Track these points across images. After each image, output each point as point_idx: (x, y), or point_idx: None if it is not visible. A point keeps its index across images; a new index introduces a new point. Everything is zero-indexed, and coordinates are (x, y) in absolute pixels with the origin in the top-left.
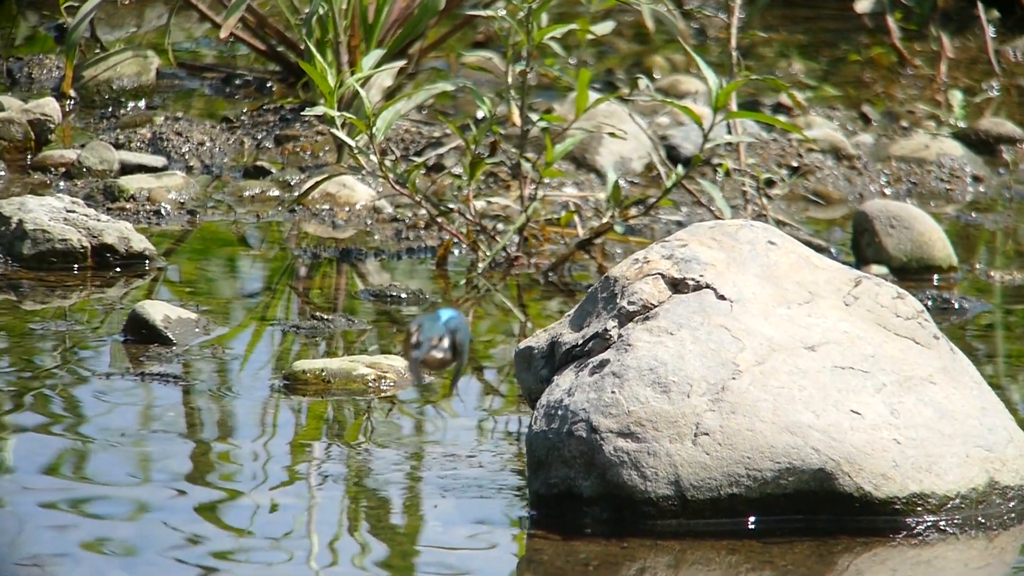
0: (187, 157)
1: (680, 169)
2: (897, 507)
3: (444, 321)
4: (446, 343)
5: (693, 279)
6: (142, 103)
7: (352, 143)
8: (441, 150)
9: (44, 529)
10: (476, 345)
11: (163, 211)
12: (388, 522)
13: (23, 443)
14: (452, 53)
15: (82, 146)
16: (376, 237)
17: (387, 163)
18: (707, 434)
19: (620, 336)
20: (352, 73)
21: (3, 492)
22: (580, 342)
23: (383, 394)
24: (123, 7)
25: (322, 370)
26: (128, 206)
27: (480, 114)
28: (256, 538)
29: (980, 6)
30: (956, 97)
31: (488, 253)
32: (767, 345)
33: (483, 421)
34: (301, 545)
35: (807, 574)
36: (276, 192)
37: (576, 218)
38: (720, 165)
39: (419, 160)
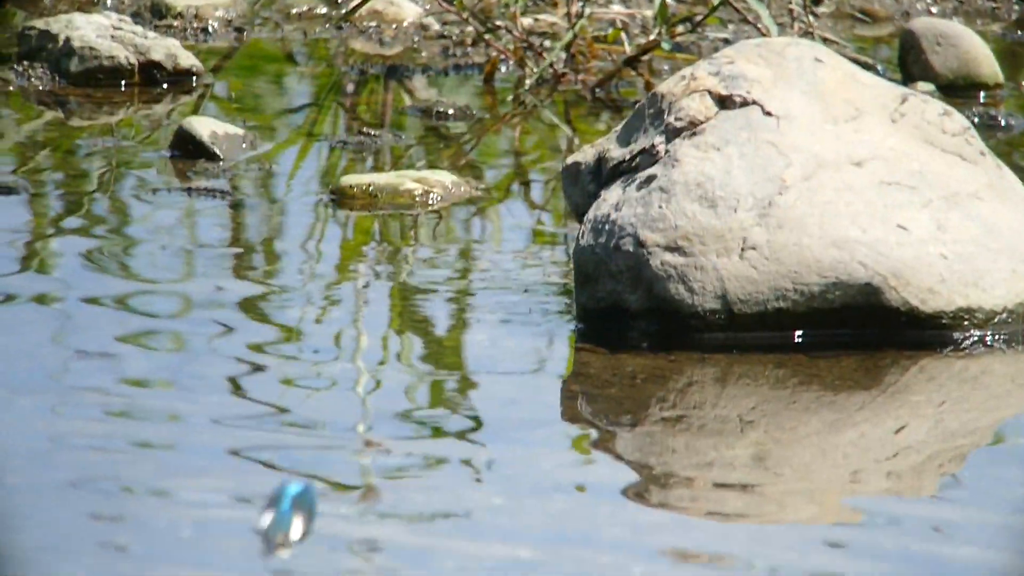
0: None
1: None
2: (944, 321)
3: (289, 509)
4: (296, 532)
5: (740, 96)
6: None
7: None
8: None
9: (89, 325)
10: (523, 160)
11: (210, 28)
12: (433, 331)
13: (67, 245)
14: None
15: None
16: (423, 54)
17: None
18: (754, 248)
19: (667, 152)
20: None
21: (49, 289)
22: (627, 157)
23: (430, 208)
24: None
25: (369, 184)
26: (175, 24)
27: None
28: (303, 335)
29: None
30: None
31: (535, 70)
32: (814, 161)
33: (530, 236)
34: (348, 345)
35: (854, 387)
36: (324, 9)
37: (623, 35)
38: None
39: None
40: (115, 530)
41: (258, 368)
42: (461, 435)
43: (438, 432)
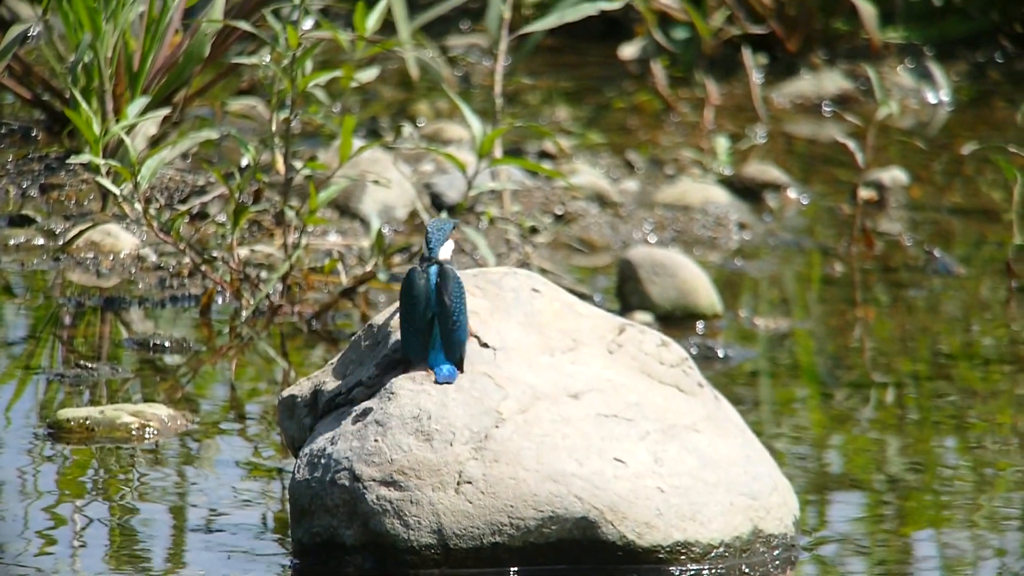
0: None
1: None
2: (661, 556)
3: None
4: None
5: None
6: None
7: (117, 191)
8: (205, 198)
9: None
10: (240, 393)
11: None
12: (149, 573)
13: None
14: (217, 101)
15: None
16: (140, 285)
17: (151, 211)
18: (470, 482)
19: (383, 384)
20: (117, 121)
21: None
22: (343, 390)
23: (146, 442)
24: None
25: (86, 418)
26: None
27: (244, 162)
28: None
29: (746, 52)
30: (721, 144)
31: (252, 301)
32: (530, 393)
33: (247, 470)
34: None
35: None
36: (41, 241)
37: (340, 266)
38: (484, 212)
39: (183, 208)
40: None
41: None
42: None
43: None
